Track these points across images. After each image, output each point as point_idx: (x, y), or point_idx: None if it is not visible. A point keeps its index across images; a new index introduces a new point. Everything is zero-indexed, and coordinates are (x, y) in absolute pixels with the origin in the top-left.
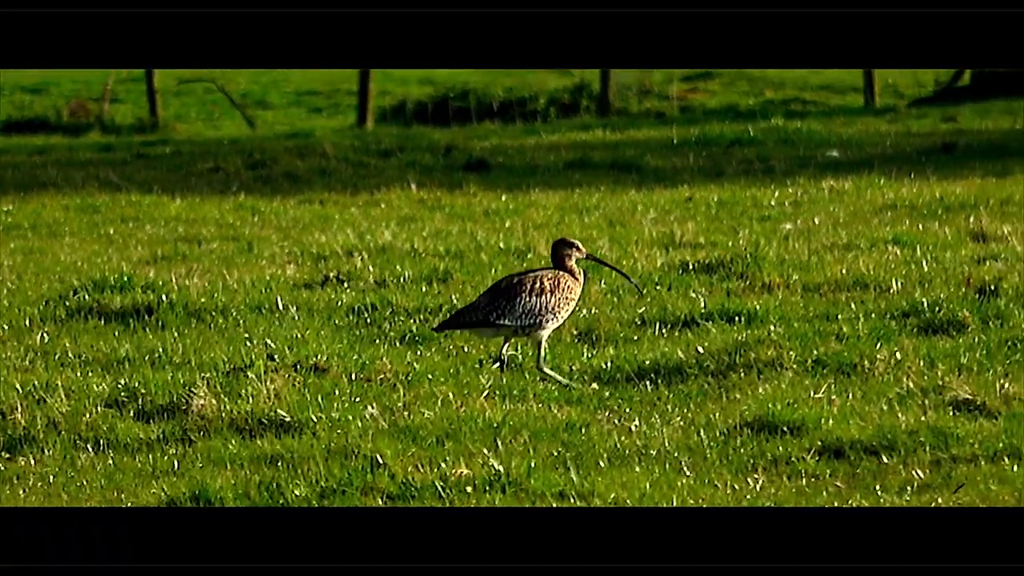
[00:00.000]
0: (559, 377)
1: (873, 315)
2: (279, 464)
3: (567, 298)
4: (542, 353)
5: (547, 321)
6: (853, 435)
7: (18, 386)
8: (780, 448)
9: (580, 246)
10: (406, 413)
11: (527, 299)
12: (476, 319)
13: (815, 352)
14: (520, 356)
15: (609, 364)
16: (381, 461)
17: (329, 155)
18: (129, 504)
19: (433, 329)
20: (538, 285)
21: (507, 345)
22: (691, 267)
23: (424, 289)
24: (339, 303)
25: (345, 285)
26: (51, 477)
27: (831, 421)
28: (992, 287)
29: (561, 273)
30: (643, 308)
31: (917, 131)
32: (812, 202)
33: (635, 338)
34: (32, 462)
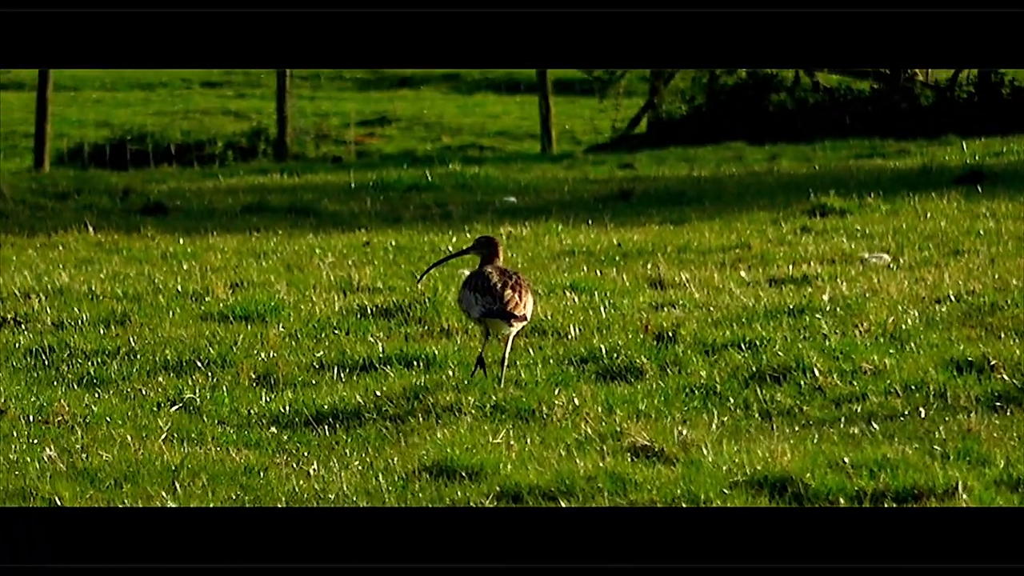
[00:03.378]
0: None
1: (551, 361)
2: None
3: None
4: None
5: (530, 317)
6: (531, 480)
7: None
8: (459, 493)
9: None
10: (84, 455)
11: (527, 295)
12: (511, 313)
13: (494, 397)
14: (198, 399)
15: (287, 408)
16: (59, 503)
17: (6, 197)
18: None
19: (476, 319)
20: (524, 281)
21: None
22: (369, 311)
23: (102, 331)
24: (16, 345)
25: (23, 327)
26: None
27: (509, 466)
28: (670, 333)
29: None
30: (321, 352)
31: (594, 178)
32: None
33: (313, 382)
34: None
